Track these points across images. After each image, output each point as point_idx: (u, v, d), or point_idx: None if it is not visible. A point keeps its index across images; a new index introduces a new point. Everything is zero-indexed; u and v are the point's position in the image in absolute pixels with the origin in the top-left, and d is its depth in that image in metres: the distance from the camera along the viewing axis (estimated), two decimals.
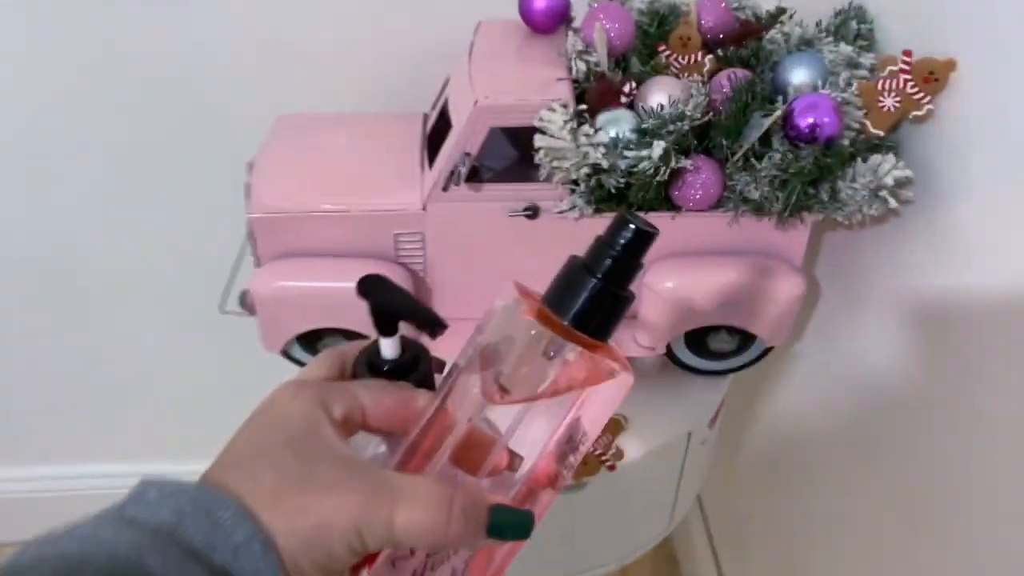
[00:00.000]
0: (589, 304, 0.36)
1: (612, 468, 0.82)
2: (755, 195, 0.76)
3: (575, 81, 0.79)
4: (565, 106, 0.74)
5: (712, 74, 0.82)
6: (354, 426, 0.39)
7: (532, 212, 0.81)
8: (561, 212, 0.79)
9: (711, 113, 0.75)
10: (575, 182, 0.77)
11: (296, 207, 0.81)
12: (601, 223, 0.40)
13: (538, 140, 0.74)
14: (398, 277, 0.82)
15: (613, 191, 0.76)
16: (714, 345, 0.87)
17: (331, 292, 0.81)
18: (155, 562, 0.30)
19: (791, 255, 0.84)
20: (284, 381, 0.40)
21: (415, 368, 0.43)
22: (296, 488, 0.33)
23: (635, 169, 0.73)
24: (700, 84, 0.78)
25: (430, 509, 0.34)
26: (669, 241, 0.83)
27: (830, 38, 0.81)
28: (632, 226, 0.36)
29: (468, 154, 0.75)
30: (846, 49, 0.80)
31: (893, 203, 0.74)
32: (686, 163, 0.74)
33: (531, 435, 0.38)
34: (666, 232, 0.81)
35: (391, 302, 0.41)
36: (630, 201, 0.78)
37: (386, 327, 0.42)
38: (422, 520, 0.34)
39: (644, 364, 0.93)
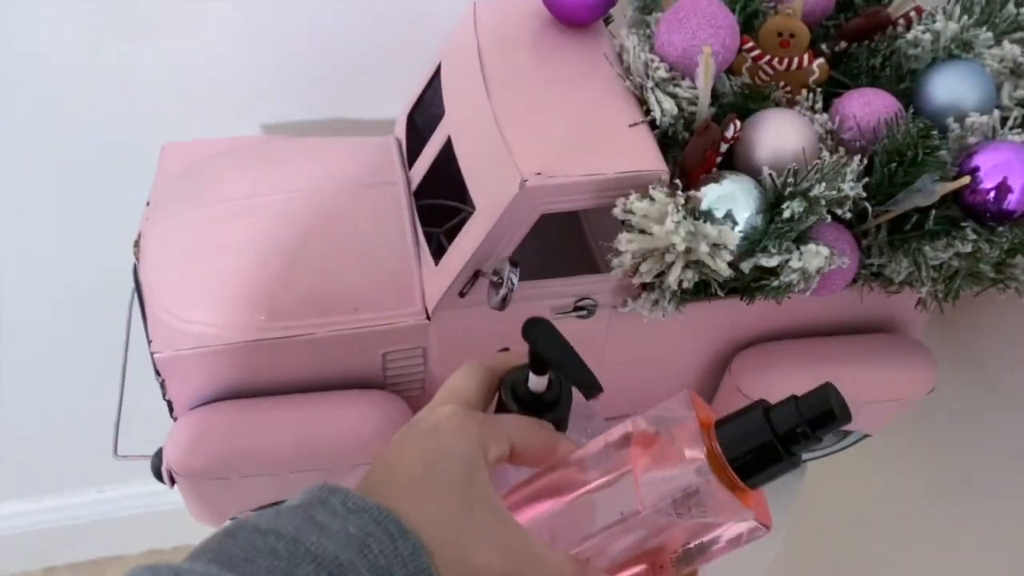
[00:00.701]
0: (756, 457, 0.35)
1: None
2: (913, 281, 0.54)
3: (652, 124, 0.52)
4: (672, 192, 0.47)
5: (820, 85, 0.57)
6: (501, 462, 0.40)
7: (587, 311, 0.55)
8: (632, 310, 0.54)
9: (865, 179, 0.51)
10: (660, 274, 0.52)
11: (226, 335, 0.52)
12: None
13: (626, 242, 0.48)
14: (387, 409, 0.56)
15: (717, 292, 0.52)
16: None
17: (291, 453, 0.54)
18: (362, 567, 0.32)
19: (912, 324, 0.63)
20: (444, 400, 0.39)
21: (556, 405, 0.44)
22: (455, 536, 0.35)
23: (772, 281, 0.49)
24: (826, 120, 0.54)
25: None
26: (760, 319, 0.60)
27: (988, 33, 0.57)
28: (833, 412, 0.34)
29: (514, 264, 0.48)
30: (1013, 51, 0.57)
31: None
32: (840, 262, 0.50)
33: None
34: (757, 313, 0.58)
35: (553, 355, 0.41)
36: (723, 292, 0.54)
37: (540, 368, 0.42)
38: None
39: None
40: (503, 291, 0.48)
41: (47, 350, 0.98)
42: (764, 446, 0.35)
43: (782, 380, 0.59)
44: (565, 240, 0.64)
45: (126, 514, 1.29)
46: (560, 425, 0.48)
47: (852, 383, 0.59)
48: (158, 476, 0.55)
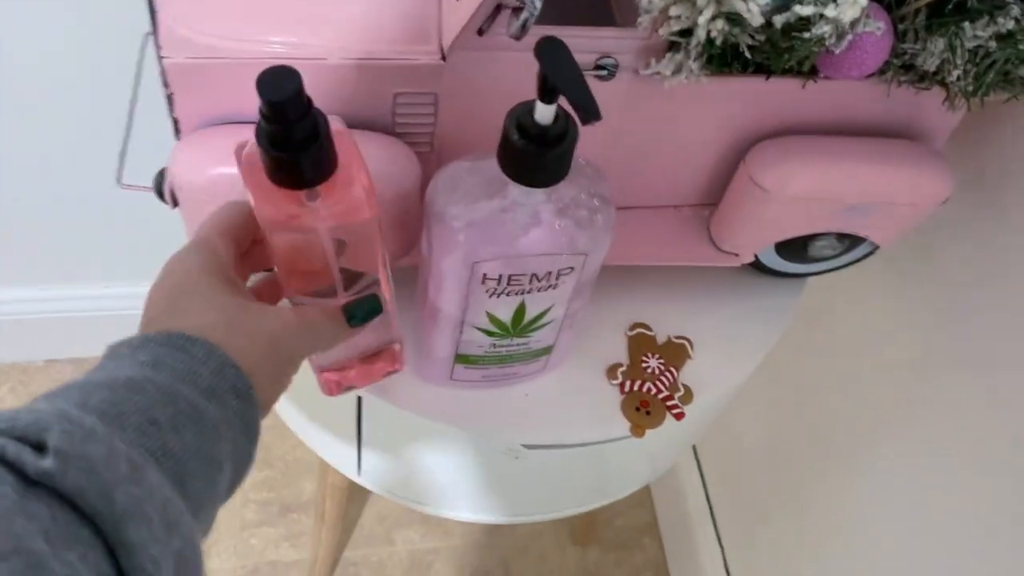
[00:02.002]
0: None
1: (680, 416, 0.63)
2: (945, 70, 0.52)
3: None
4: None
5: None
6: (239, 250, 0.45)
7: (608, 71, 0.54)
8: (656, 74, 0.53)
9: None
10: (684, 32, 0.50)
11: (239, 48, 0.51)
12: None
13: None
14: (393, 156, 0.55)
15: (745, 53, 0.50)
16: (814, 252, 0.66)
17: None
18: (161, 379, 0.35)
19: (934, 134, 0.62)
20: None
21: (562, 140, 0.44)
22: (242, 315, 0.40)
23: (804, 34, 0.47)
24: None
25: (327, 320, 0.45)
26: (780, 109, 0.59)
27: None
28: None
29: None
30: None
31: None
32: (875, 27, 0.48)
33: None
34: (781, 99, 0.59)
35: (561, 73, 0.41)
36: (748, 60, 0.52)
37: (549, 94, 0.42)
38: (328, 326, 0.45)
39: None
40: (524, 15, 0.46)
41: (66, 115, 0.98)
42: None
43: (797, 172, 0.59)
44: (588, 8, 0.62)
45: (130, 312, 1.32)
46: (563, 165, 0.48)
47: (867, 181, 0.59)
48: (160, 195, 0.55)
